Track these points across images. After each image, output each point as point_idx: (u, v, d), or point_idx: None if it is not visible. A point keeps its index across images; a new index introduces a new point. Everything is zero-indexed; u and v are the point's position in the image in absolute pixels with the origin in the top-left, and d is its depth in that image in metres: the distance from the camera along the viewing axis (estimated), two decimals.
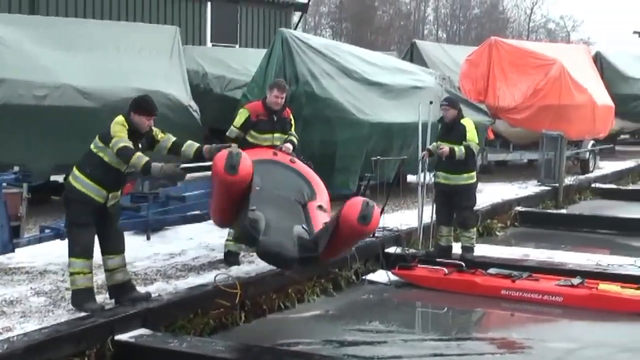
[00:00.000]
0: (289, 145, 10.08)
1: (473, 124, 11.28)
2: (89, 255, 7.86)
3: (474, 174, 11.32)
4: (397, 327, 9.24)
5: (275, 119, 10.12)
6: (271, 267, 9.74)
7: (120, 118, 7.85)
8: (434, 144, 11.51)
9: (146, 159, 7.71)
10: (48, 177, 12.47)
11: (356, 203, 7.28)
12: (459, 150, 10.89)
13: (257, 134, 10.05)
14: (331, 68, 14.19)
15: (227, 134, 10.12)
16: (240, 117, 10.09)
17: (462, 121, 11.15)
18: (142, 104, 7.97)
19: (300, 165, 9.89)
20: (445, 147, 10.91)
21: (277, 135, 10.13)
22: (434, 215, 11.70)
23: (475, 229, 11.58)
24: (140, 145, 7.94)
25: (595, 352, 8.45)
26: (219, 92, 15.70)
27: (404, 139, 13.99)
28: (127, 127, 7.78)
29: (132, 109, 7.91)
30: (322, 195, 9.25)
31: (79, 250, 7.84)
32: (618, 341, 8.84)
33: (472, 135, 11.03)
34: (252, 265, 9.95)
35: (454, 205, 11.28)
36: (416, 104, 12.80)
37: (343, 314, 9.75)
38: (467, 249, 11.29)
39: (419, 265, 10.84)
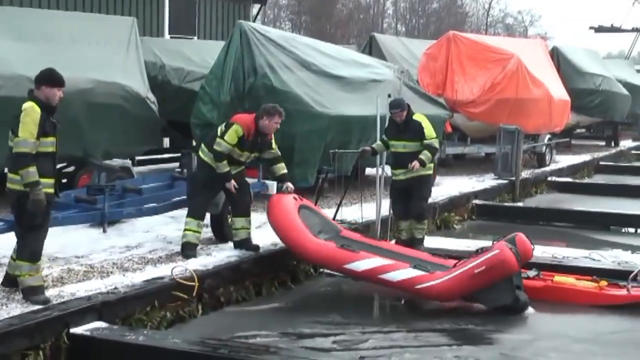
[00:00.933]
0: (291, 185, 10.44)
1: (426, 118, 11.29)
2: (36, 259, 7.79)
3: (432, 164, 11.38)
4: (355, 319, 9.23)
5: (259, 140, 10.11)
6: (229, 259, 9.78)
7: (27, 105, 7.66)
8: (379, 143, 11.54)
9: (34, 177, 7.50)
10: (2, 170, 12.28)
11: (509, 251, 9.03)
12: (426, 156, 10.91)
13: (238, 151, 10.02)
14: (290, 61, 14.13)
15: (218, 148, 9.92)
16: (235, 133, 9.90)
17: (415, 117, 11.14)
18: (52, 76, 7.88)
19: (305, 202, 10.51)
20: (415, 163, 10.87)
21: (254, 154, 10.22)
22: (391, 210, 11.75)
23: (427, 221, 11.62)
24: (56, 121, 7.82)
25: (550, 343, 8.53)
26: (177, 84, 15.59)
27: (363, 131, 13.98)
28: (38, 112, 7.59)
29: (42, 83, 7.79)
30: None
31: (27, 254, 7.76)
32: (573, 332, 8.94)
33: (429, 131, 11.04)
34: (210, 257, 9.91)
35: (411, 197, 11.29)
36: (374, 97, 12.81)
37: (301, 307, 9.76)
38: (419, 241, 11.32)
39: None
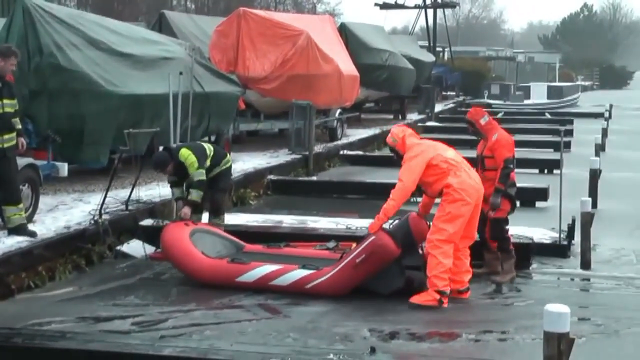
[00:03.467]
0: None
1: (188, 153, 10.48)
2: None
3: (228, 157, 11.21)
4: (153, 300, 9.13)
5: (1, 85, 9.73)
6: (19, 245, 9.44)
7: None
8: (175, 190, 10.94)
9: None
10: None
11: (385, 236, 9.01)
12: (195, 195, 10.43)
13: None
14: (77, 39, 13.72)
15: None
16: None
17: (180, 157, 10.47)
18: None
19: (199, 226, 10.29)
20: (186, 208, 10.42)
21: (6, 101, 9.77)
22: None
23: (224, 216, 11.27)
24: None
25: (346, 312, 8.73)
26: None
27: (155, 110, 13.81)
28: None
29: None
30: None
31: None
32: (370, 301, 9.16)
33: (191, 169, 10.41)
34: None
35: (209, 189, 10.84)
36: (166, 75, 12.65)
37: (97, 290, 9.53)
38: None
39: None
